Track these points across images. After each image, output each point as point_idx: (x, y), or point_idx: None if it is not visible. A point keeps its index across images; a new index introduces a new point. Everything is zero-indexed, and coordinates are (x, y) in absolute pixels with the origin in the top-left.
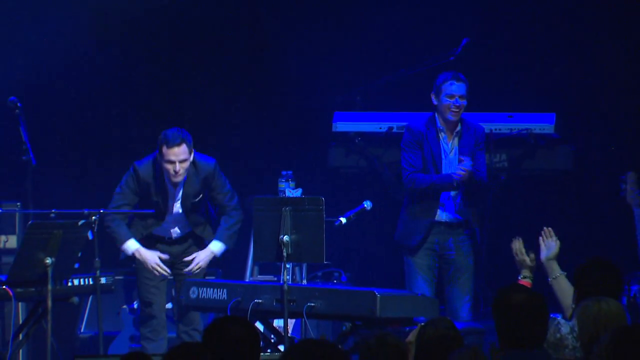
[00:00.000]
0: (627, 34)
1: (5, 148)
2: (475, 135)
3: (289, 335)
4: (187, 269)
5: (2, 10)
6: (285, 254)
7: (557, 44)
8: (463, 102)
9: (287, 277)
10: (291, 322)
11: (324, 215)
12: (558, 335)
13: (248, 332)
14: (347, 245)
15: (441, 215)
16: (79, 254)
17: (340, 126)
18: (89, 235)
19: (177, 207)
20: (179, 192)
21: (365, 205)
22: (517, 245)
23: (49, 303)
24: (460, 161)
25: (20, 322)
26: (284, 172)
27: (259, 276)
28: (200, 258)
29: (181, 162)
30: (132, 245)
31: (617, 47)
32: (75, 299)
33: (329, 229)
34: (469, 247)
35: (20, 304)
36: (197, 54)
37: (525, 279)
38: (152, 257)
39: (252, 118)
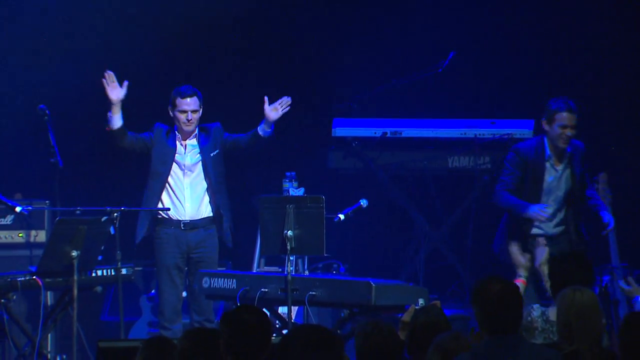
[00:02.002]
0: (598, 47)
1: (35, 151)
2: (581, 154)
3: (292, 321)
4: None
5: (31, 22)
6: (289, 247)
7: (536, 57)
8: (574, 132)
9: (291, 269)
10: (294, 309)
11: (324, 212)
12: (529, 318)
13: (261, 320)
14: (345, 240)
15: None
16: (102, 247)
17: (338, 131)
18: (111, 230)
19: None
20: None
21: (362, 203)
22: (514, 248)
23: (75, 292)
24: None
25: (49, 309)
26: (287, 173)
27: (265, 267)
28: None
29: (193, 111)
30: None
31: (589, 60)
32: (99, 288)
33: (329, 224)
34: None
35: (49, 292)
36: (207, 60)
37: (520, 278)
38: None
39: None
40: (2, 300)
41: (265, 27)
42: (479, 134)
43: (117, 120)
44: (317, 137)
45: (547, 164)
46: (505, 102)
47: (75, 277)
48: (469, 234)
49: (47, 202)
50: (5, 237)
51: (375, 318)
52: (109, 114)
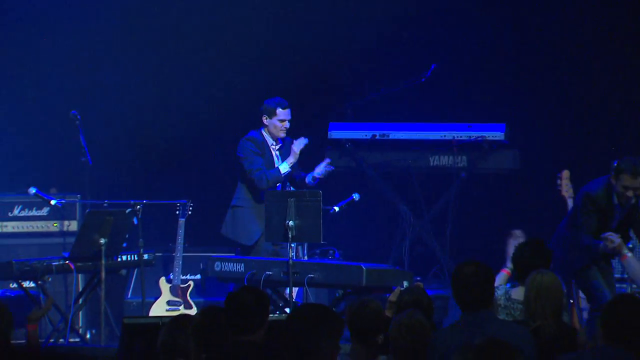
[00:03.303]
0: (560, 58)
1: (68, 151)
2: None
3: (293, 300)
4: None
5: (63, 31)
6: (290, 235)
7: (507, 68)
8: (636, 192)
9: (292, 254)
10: (295, 290)
11: (322, 205)
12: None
13: (258, 299)
14: (339, 229)
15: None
16: (127, 236)
17: (334, 134)
18: (134, 220)
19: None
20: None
21: (354, 197)
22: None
23: (103, 275)
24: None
25: (80, 289)
26: None
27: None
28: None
29: (289, 120)
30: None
31: (553, 70)
32: (124, 271)
33: (325, 215)
34: None
35: (79, 275)
36: (221, 66)
37: (506, 268)
38: None
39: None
40: (39, 282)
41: (267, 36)
42: (457, 136)
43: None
44: (315, 139)
45: (615, 205)
46: (480, 108)
47: (103, 262)
48: (448, 223)
49: (78, 195)
50: (42, 227)
51: (365, 297)
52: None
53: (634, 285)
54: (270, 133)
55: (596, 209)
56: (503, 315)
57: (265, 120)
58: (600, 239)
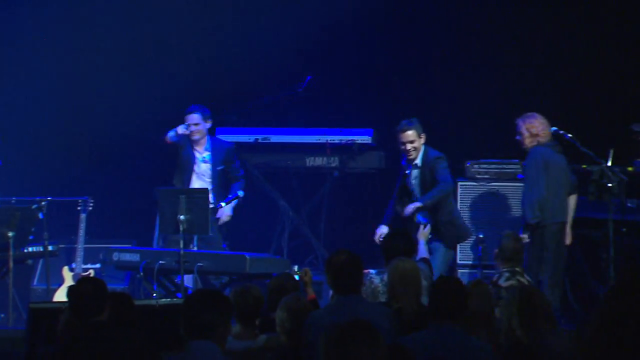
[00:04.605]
0: (421, 71)
1: None
2: None
3: (184, 286)
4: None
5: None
6: (181, 228)
7: (376, 80)
8: None
9: (185, 245)
10: (187, 277)
11: (209, 201)
12: (372, 286)
13: (95, 286)
14: (226, 222)
15: None
16: (33, 229)
17: (221, 137)
18: (40, 215)
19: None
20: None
21: (239, 194)
22: None
23: (11, 264)
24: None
25: None
26: None
27: (162, 244)
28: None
29: (195, 124)
30: None
31: (413, 81)
32: (30, 261)
33: (213, 210)
34: None
35: None
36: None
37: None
38: None
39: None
40: None
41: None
42: (330, 140)
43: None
44: None
45: None
46: (350, 115)
47: (11, 253)
48: (323, 217)
49: None
50: None
51: (247, 284)
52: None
53: (485, 271)
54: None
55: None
56: (384, 299)
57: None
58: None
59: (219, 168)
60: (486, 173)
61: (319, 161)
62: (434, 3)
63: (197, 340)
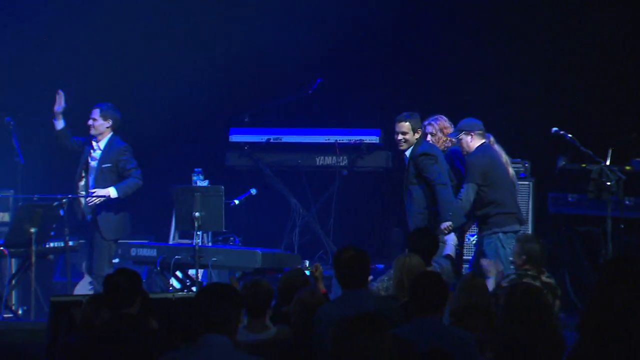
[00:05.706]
0: (428, 72)
1: (2, 152)
2: None
3: (199, 280)
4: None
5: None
6: (196, 224)
7: (384, 82)
8: None
9: (198, 241)
10: (201, 272)
11: (223, 198)
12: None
13: (130, 278)
14: (239, 219)
15: None
16: (54, 225)
17: (234, 137)
18: (61, 212)
19: None
20: None
21: (252, 192)
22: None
23: (33, 259)
24: None
25: (13, 272)
26: (195, 169)
27: (178, 240)
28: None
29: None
30: None
31: (421, 83)
32: (51, 256)
33: (227, 207)
34: None
35: (13, 260)
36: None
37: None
38: None
39: (172, 131)
40: None
41: (179, 51)
42: (339, 140)
43: (58, 125)
44: (218, 142)
45: None
46: (359, 115)
47: (34, 248)
48: (332, 214)
49: (11, 191)
50: None
51: (258, 278)
52: (54, 120)
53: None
54: None
55: None
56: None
57: None
58: None
59: (104, 166)
60: None
61: (328, 160)
62: (442, 6)
63: (209, 334)
